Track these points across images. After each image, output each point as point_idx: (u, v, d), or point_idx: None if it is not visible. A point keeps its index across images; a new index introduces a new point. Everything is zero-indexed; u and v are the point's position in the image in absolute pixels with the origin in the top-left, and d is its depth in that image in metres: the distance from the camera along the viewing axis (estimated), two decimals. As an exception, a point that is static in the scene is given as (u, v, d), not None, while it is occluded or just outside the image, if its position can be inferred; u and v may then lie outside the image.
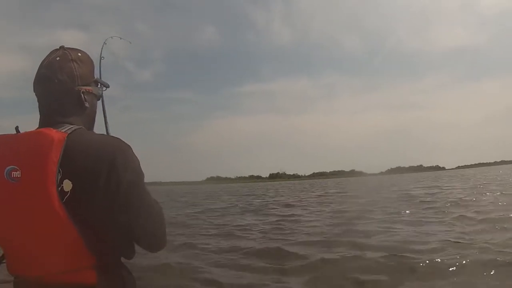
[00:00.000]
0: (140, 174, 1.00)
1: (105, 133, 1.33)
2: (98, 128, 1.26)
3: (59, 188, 0.89)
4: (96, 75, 1.18)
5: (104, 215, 0.93)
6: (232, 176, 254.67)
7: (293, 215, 11.56)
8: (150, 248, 1.06)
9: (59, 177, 0.89)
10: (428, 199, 13.67)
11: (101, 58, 1.55)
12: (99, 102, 1.26)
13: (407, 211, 10.34)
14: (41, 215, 0.89)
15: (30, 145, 0.92)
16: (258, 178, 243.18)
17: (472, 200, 11.75)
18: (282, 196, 23.95)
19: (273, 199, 20.90)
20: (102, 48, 1.60)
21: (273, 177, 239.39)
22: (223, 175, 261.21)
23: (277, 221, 10.26)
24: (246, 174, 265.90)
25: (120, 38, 1.77)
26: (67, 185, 0.89)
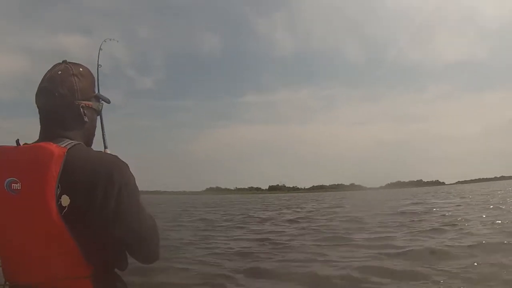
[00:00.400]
0: (135, 190, 1.04)
1: (103, 147, 1.38)
2: (96, 142, 1.29)
3: (58, 203, 0.92)
4: (97, 86, 1.22)
5: (100, 229, 0.97)
6: (232, 187, 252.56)
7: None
8: (144, 260, 1.11)
9: (58, 192, 0.92)
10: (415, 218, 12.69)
11: (98, 66, 1.55)
12: (98, 116, 1.28)
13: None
14: (40, 227, 0.92)
15: (30, 158, 0.95)
16: (258, 190, 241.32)
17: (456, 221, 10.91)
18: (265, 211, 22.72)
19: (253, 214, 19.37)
20: (98, 55, 1.60)
21: (273, 189, 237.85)
22: (223, 186, 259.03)
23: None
24: (246, 185, 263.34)
25: (115, 41, 1.77)
26: (65, 200, 0.92)
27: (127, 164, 1.05)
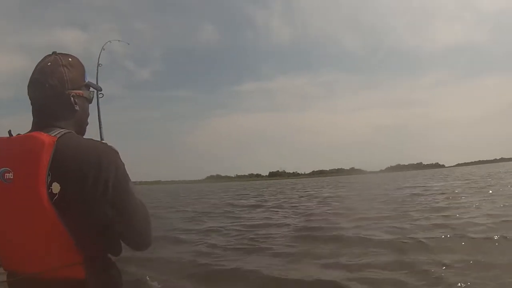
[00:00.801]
0: (125, 176, 1.05)
1: (99, 136, 1.39)
2: (93, 134, 1.30)
3: (49, 190, 0.94)
4: (89, 79, 1.21)
5: (91, 215, 0.98)
6: (232, 175, 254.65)
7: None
8: (136, 246, 1.12)
9: (49, 180, 0.94)
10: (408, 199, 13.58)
11: (98, 65, 1.55)
12: (95, 106, 1.28)
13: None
14: (32, 215, 0.95)
15: (22, 148, 0.97)
16: (258, 176, 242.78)
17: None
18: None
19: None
20: (100, 54, 1.60)
21: (273, 175, 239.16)
22: (223, 174, 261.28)
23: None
24: (246, 172, 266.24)
25: (119, 41, 1.79)
26: (56, 187, 0.94)
27: (116, 151, 1.06)
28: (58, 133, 1.02)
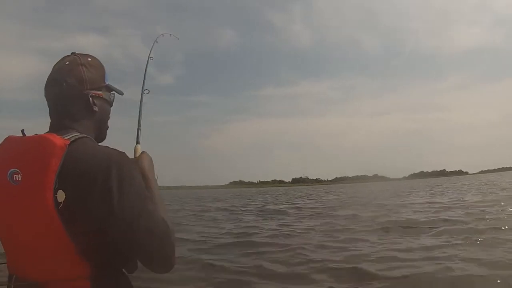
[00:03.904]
0: (139, 191, 0.95)
1: (135, 140, 1.29)
2: (129, 137, 1.27)
3: (55, 197, 0.88)
4: (110, 79, 1.15)
5: (96, 227, 0.90)
6: (255, 181, 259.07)
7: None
8: (151, 266, 0.98)
9: (56, 186, 0.88)
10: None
11: (149, 58, 1.56)
12: (135, 109, 1.25)
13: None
14: (38, 221, 0.89)
15: (33, 150, 0.93)
16: (281, 182, 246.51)
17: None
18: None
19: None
20: (152, 48, 1.60)
21: (296, 181, 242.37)
22: (246, 179, 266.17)
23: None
24: (269, 178, 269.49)
25: (170, 35, 1.76)
26: (61, 195, 0.88)
27: (129, 160, 0.98)
28: (72, 136, 0.96)
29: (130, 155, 1.14)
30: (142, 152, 1.19)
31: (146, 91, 1.39)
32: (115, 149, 0.98)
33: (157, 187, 1.10)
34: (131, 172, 0.94)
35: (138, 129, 1.30)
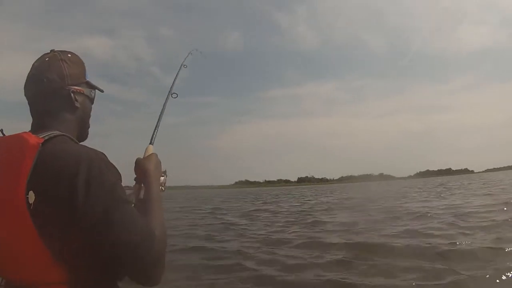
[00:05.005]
0: (109, 190, 0.87)
1: (150, 140, 1.26)
2: (145, 135, 1.25)
3: (26, 199, 0.83)
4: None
5: (68, 231, 0.84)
6: (261, 180, 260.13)
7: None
8: (133, 277, 0.89)
9: (28, 187, 0.84)
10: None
11: (182, 65, 1.70)
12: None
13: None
14: (9, 222, 0.85)
15: (6, 150, 0.90)
16: (287, 182, 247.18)
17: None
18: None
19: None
20: (185, 58, 1.76)
21: (302, 181, 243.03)
22: (252, 179, 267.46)
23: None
24: (275, 178, 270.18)
25: (201, 52, 1.94)
26: (31, 196, 0.83)
27: (103, 159, 0.91)
28: (47, 135, 0.91)
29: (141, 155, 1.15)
30: (151, 154, 1.16)
31: (174, 95, 1.49)
32: (91, 148, 0.93)
33: (158, 192, 1.05)
34: (102, 172, 0.87)
35: (155, 129, 1.32)
